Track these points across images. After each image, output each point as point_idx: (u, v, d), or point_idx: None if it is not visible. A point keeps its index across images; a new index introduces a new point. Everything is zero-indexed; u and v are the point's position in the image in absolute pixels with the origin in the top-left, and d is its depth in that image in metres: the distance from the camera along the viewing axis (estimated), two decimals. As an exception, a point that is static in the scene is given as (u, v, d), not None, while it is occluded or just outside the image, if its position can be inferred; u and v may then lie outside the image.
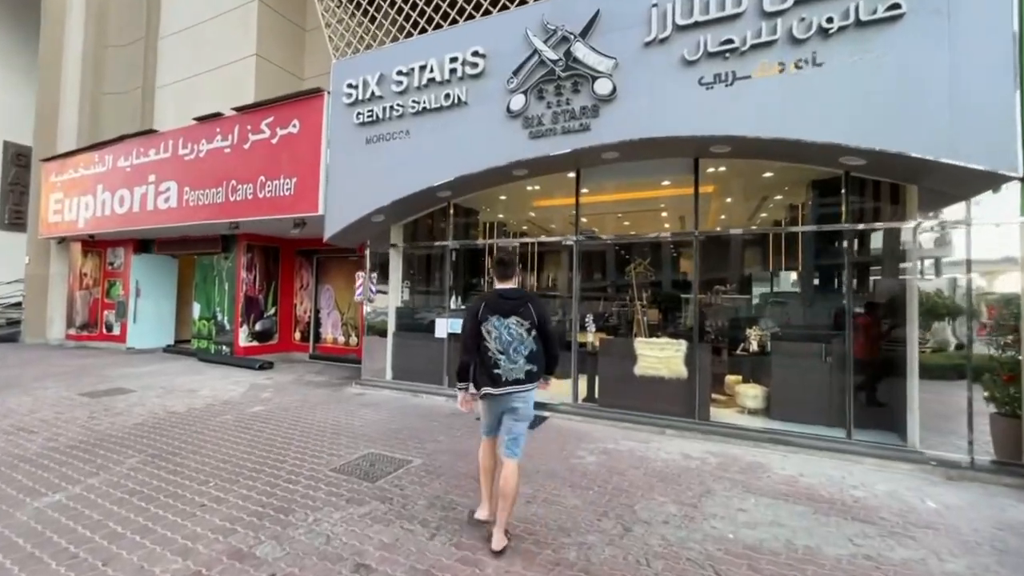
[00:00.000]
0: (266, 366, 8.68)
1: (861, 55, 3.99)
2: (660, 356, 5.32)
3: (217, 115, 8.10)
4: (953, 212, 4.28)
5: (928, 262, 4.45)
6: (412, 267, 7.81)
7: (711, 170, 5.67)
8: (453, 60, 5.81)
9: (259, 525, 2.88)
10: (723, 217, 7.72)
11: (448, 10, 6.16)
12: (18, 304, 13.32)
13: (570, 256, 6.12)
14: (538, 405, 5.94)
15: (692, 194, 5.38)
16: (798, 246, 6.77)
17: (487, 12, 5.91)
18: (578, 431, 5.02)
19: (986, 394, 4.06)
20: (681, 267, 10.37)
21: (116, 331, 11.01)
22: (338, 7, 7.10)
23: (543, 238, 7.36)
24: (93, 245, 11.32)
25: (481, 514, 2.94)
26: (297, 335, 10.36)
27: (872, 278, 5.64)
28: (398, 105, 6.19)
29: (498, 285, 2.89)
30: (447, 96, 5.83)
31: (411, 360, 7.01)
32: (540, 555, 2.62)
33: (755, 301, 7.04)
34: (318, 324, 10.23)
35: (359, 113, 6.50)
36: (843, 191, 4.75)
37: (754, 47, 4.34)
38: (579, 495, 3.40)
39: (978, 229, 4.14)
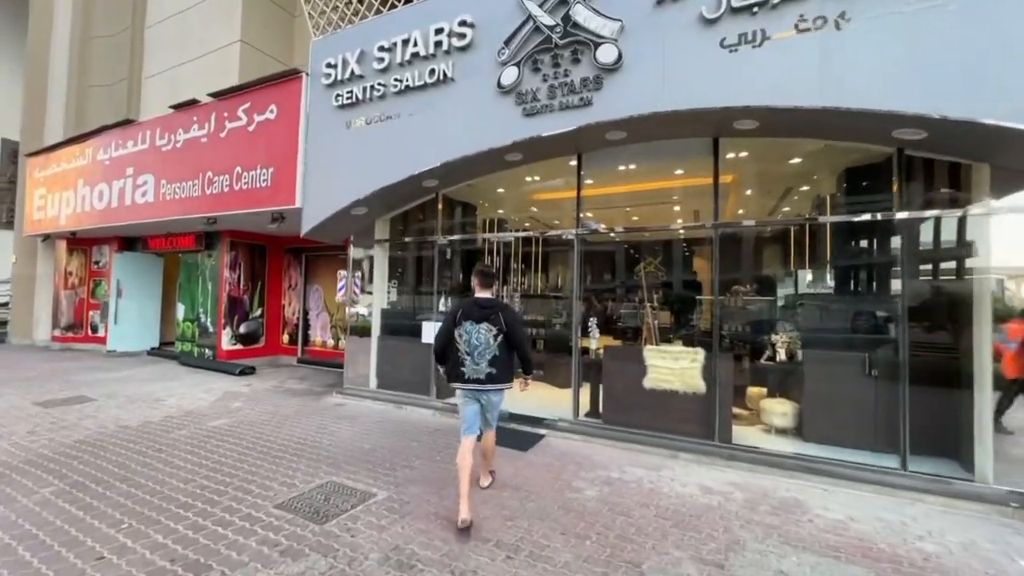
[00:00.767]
0: (247, 371, 8.11)
1: (924, 1, 3.25)
2: (674, 367, 4.60)
3: (193, 102, 7.56)
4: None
5: (999, 255, 3.69)
6: (401, 266, 7.19)
7: (731, 155, 4.95)
8: (439, 32, 5.16)
9: (159, 590, 2.26)
10: (740, 212, 6.97)
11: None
12: (6, 304, 12.98)
13: (572, 253, 5.42)
14: (534, 421, 5.30)
15: (710, 182, 4.66)
16: (827, 241, 6.00)
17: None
18: (578, 454, 4.34)
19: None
20: (695, 266, 9.63)
21: (101, 332, 10.56)
22: (319, -19, 6.50)
23: (539, 233, 6.68)
24: (77, 243, 10.90)
25: (463, 513, 2.86)
26: (285, 338, 9.80)
27: (915, 277, 4.87)
28: (379, 84, 5.56)
29: (477, 293, 3.25)
30: (432, 72, 5.18)
31: (396, 367, 6.37)
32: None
33: (780, 302, 6.27)
34: (307, 326, 9.66)
35: (338, 95, 5.88)
36: (896, 172, 3.99)
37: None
38: (573, 547, 2.72)
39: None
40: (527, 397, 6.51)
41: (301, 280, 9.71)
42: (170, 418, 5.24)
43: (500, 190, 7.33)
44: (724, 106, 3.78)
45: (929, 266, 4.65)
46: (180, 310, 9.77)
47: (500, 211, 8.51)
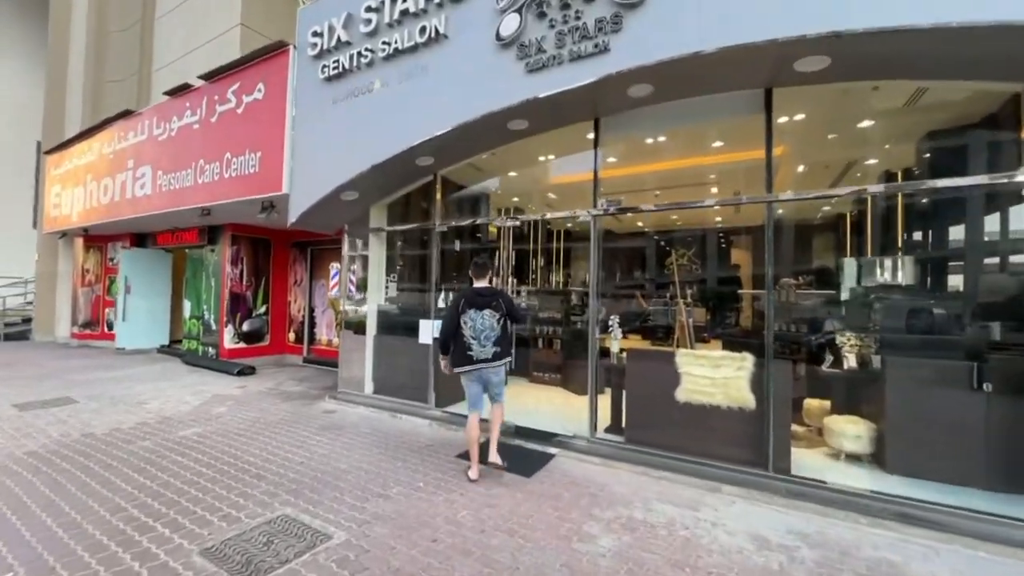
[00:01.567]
0: (246, 371, 7.67)
1: None
2: (714, 376, 3.71)
3: (186, 87, 7.14)
4: None
5: None
6: (400, 257, 6.53)
7: (783, 118, 4.02)
8: (431, -18, 4.43)
9: None
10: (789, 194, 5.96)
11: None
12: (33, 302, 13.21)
13: (590, 237, 4.57)
14: (543, 437, 4.50)
15: (752, 156, 3.77)
16: (909, 222, 4.94)
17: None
18: (593, 482, 3.52)
19: None
20: (733, 258, 8.56)
21: (116, 329, 10.45)
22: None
23: (550, 215, 5.87)
24: (93, 240, 10.85)
25: (473, 474, 3.46)
26: (291, 336, 9.36)
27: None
28: (367, 50, 4.88)
29: (475, 283, 3.59)
30: (423, 30, 4.45)
31: (393, 369, 5.71)
32: None
33: (844, 296, 5.21)
34: (313, 324, 9.19)
35: (325, 66, 5.24)
36: (1022, 123, 2.98)
37: None
38: (576, 637, 1.93)
39: None
40: (539, 404, 5.82)
41: (306, 275, 9.24)
42: (143, 425, 4.76)
43: (512, 174, 6.57)
44: (787, 36, 2.86)
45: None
46: (187, 307, 9.51)
47: (515, 199, 7.76)
